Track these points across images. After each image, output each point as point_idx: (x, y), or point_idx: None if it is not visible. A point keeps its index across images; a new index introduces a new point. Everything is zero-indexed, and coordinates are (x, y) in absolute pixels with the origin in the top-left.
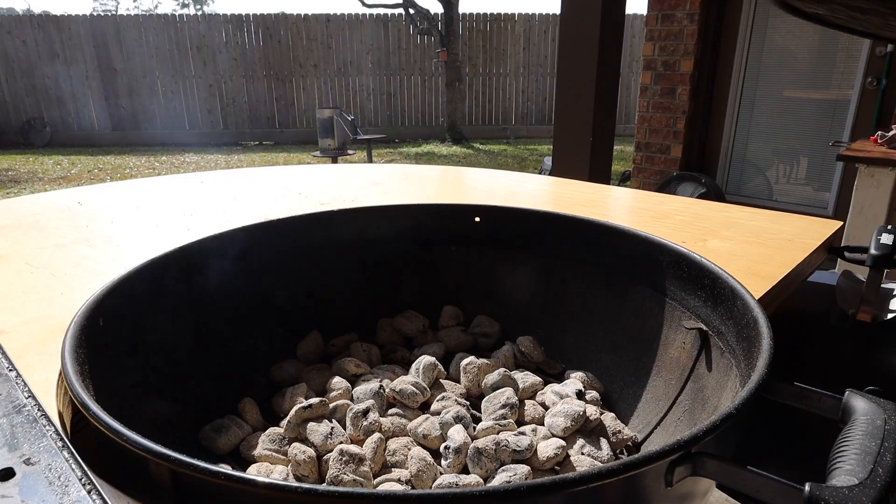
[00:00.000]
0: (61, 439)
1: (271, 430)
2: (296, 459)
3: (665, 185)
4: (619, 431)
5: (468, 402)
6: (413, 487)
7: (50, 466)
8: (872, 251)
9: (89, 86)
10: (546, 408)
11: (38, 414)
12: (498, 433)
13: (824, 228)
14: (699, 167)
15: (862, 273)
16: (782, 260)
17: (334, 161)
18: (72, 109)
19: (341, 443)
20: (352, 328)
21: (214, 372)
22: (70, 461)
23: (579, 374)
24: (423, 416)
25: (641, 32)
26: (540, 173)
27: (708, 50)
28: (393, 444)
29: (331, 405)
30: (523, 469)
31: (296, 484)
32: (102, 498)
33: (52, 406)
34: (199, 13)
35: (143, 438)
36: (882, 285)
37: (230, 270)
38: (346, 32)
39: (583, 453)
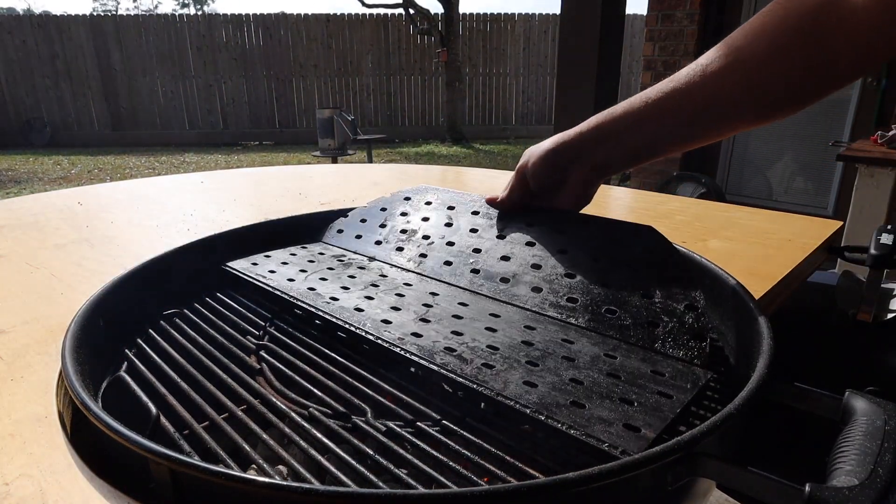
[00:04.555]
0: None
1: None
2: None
3: (665, 185)
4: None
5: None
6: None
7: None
8: (872, 251)
9: (89, 86)
10: None
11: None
12: None
13: (824, 228)
14: (699, 167)
15: (862, 273)
16: (782, 260)
17: (334, 161)
18: (72, 109)
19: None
20: None
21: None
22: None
23: None
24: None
25: (641, 32)
26: None
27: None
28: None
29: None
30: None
31: (296, 484)
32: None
33: (52, 406)
34: (199, 13)
35: (143, 438)
36: (882, 285)
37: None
38: (346, 32)
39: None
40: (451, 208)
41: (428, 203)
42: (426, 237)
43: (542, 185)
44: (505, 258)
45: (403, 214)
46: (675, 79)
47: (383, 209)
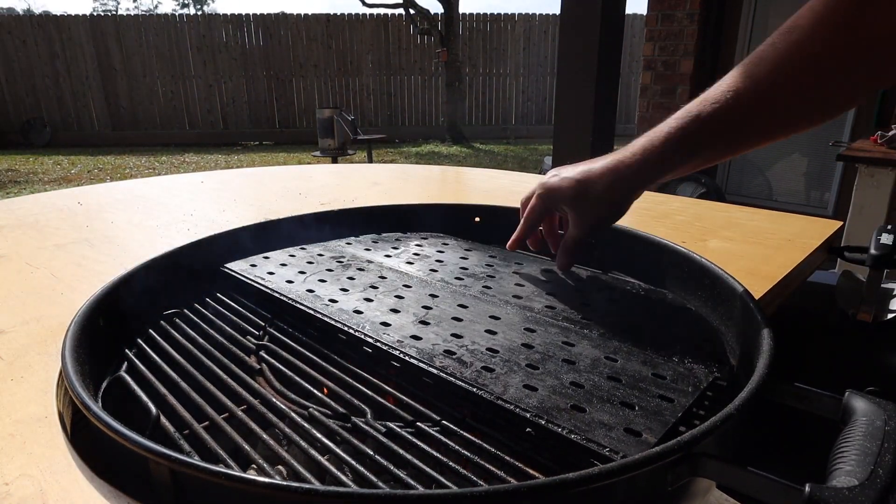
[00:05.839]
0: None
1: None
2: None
3: (665, 185)
4: None
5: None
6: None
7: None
8: (872, 251)
9: (89, 86)
10: None
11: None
12: None
13: (824, 228)
14: None
15: (862, 273)
16: (782, 260)
17: (334, 161)
18: (72, 109)
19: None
20: None
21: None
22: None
23: None
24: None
25: (641, 32)
26: (540, 173)
27: (708, 50)
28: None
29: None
30: None
31: (296, 484)
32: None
33: (52, 406)
34: (199, 13)
35: (143, 438)
36: (882, 285)
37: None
38: (346, 32)
39: None
40: (467, 249)
41: (445, 244)
42: (439, 261)
43: (601, 224)
44: (519, 285)
45: (418, 245)
46: (727, 84)
47: (398, 239)
